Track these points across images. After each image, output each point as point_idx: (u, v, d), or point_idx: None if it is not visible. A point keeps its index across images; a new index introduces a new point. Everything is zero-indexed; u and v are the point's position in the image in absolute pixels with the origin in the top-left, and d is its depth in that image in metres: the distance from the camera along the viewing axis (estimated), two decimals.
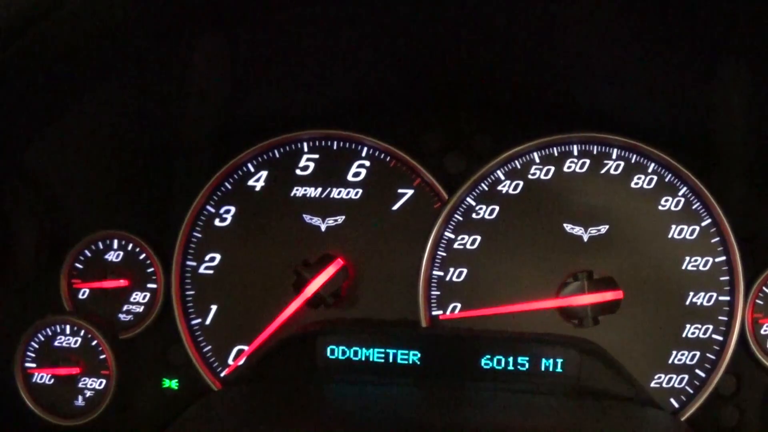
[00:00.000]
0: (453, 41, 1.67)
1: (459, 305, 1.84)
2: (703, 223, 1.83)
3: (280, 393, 1.67)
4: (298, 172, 1.89)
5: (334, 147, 1.89)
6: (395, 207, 1.87)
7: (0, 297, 1.88)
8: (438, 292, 1.85)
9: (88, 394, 1.89)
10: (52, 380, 1.88)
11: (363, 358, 1.75)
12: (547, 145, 1.83)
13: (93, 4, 1.24)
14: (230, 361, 1.89)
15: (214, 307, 1.90)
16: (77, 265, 1.93)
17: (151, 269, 1.92)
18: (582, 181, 1.83)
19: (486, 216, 1.84)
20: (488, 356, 1.73)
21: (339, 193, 1.88)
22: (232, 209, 1.90)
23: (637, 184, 1.83)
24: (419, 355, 1.74)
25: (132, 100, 1.71)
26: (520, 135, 1.83)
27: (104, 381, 1.89)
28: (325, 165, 1.88)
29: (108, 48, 1.42)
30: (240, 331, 1.88)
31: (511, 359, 1.73)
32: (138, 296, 1.92)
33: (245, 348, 1.88)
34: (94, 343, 1.88)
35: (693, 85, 1.69)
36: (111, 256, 1.93)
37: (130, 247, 1.93)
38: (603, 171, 1.83)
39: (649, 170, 1.83)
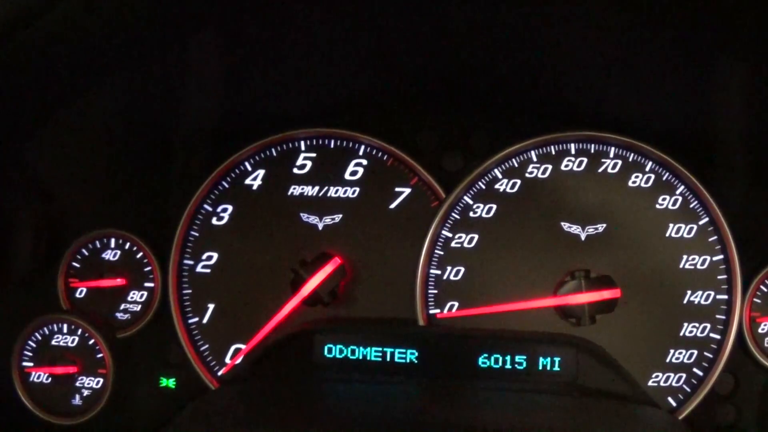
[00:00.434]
0: (450, 40, 1.66)
1: (456, 304, 1.84)
2: (701, 222, 1.82)
3: (277, 392, 1.66)
4: (295, 170, 1.88)
5: (331, 146, 1.89)
6: (392, 206, 1.86)
7: None
8: (435, 291, 1.84)
9: (86, 393, 1.89)
10: (50, 379, 1.89)
11: (360, 357, 1.75)
12: (544, 144, 1.83)
13: (91, 2, 1.24)
14: (227, 360, 1.89)
15: (211, 306, 1.89)
16: (74, 263, 1.93)
17: (149, 268, 1.92)
18: (579, 179, 1.83)
19: (483, 214, 1.84)
20: (485, 355, 1.72)
21: (336, 192, 1.87)
22: (230, 208, 1.90)
23: (634, 182, 1.83)
24: (416, 353, 1.74)
25: (130, 99, 1.71)
26: (517, 133, 1.82)
27: (101, 380, 1.89)
28: (323, 164, 1.88)
29: (105, 47, 1.42)
30: (237, 329, 1.88)
31: (508, 358, 1.72)
32: (135, 295, 1.92)
33: (242, 347, 1.88)
34: (92, 342, 1.88)
35: (690, 84, 1.69)
36: (108, 255, 1.93)
37: (127, 246, 1.93)
38: (600, 170, 1.83)
39: (647, 169, 1.83)
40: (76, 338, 1.89)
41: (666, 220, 1.82)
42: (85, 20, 1.29)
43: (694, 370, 1.82)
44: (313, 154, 1.88)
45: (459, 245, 1.84)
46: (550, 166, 1.83)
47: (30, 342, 1.88)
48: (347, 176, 1.87)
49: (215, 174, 1.88)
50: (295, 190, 1.88)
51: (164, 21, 1.43)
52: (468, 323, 1.82)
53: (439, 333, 1.80)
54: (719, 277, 1.82)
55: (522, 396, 1.66)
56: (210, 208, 1.90)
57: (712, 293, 1.82)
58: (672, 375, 1.82)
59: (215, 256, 1.90)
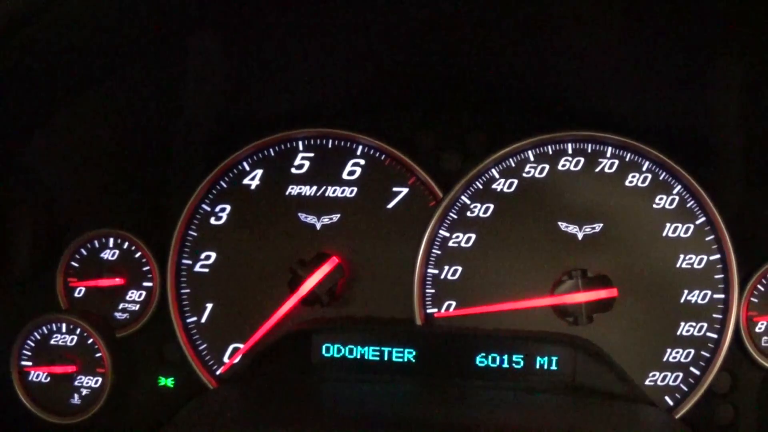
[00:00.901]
0: (448, 40, 1.67)
1: (454, 303, 1.84)
2: (698, 222, 1.83)
3: (276, 391, 1.67)
4: (293, 170, 1.89)
5: (329, 146, 1.89)
6: (390, 205, 1.87)
7: None
8: (433, 290, 1.85)
9: (85, 392, 1.90)
10: (49, 378, 1.89)
11: (358, 356, 1.76)
12: (541, 144, 1.84)
13: (91, 3, 1.24)
14: (226, 359, 1.90)
15: (209, 306, 1.90)
16: (73, 263, 1.94)
17: (147, 267, 1.92)
18: (577, 179, 1.83)
19: (481, 214, 1.84)
20: (483, 354, 1.73)
21: (334, 192, 1.88)
22: (228, 208, 1.90)
23: (631, 182, 1.83)
24: (414, 353, 1.75)
25: (128, 99, 1.71)
26: (514, 133, 1.83)
27: (100, 379, 1.89)
28: (320, 163, 1.89)
29: (105, 47, 1.43)
30: (235, 329, 1.88)
31: (505, 357, 1.73)
32: (134, 294, 1.93)
33: (240, 346, 1.88)
34: (90, 341, 1.89)
35: (687, 84, 1.70)
36: (107, 255, 1.93)
37: (125, 245, 1.93)
38: (597, 169, 1.84)
39: (644, 168, 1.83)
40: (75, 337, 1.89)
41: (663, 220, 1.82)
42: (86, 21, 1.30)
43: (691, 369, 1.83)
44: (311, 154, 1.89)
45: (456, 245, 1.84)
46: (547, 166, 1.84)
47: (29, 341, 1.88)
48: (345, 176, 1.88)
49: (213, 174, 1.89)
50: (293, 189, 1.88)
51: (163, 21, 1.43)
52: (465, 322, 1.82)
53: (437, 332, 1.81)
54: (716, 276, 1.83)
55: (519, 395, 1.67)
56: (208, 208, 1.90)
57: (709, 293, 1.83)
58: (669, 374, 1.83)
59: (213, 255, 1.90)
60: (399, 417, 1.53)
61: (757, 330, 1.86)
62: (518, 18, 1.55)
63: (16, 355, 1.87)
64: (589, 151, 1.84)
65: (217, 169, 1.89)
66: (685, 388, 1.83)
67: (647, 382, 1.83)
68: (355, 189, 1.88)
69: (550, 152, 1.84)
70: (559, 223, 1.83)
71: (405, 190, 1.87)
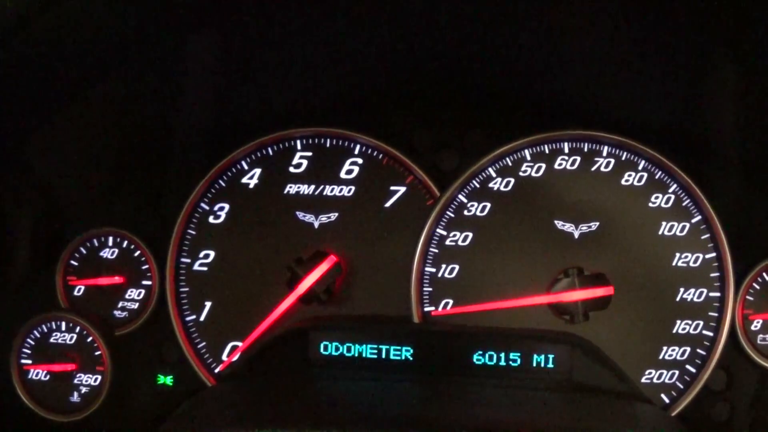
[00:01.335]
0: (445, 39, 1.68)
1: (451, 301, 1.85)
2: (694, 220, 1.84)
3: (274, 389, 1.68)
4: (291, 169, 1.90)
5: (327, 145, 1.90)
6: (388, 204, 1.88)
7: None
8: (430, 289, 1.86)
9: (84, 390, 1.91)
10: (48, 376, 1.90)
11: (356, 354, 1.76)
12: (538, 143, 1.85)
13: (91, 4, 1.25)
14: (224, 357, 1.91)
15: (208, 304, 1.91)
16: (72, 262, 1.95)
17: (146, 266, 1.93)
18: (573, 178, 1.84)
19: (478, 213, 1.85)
20: (480, 352, 1.74)
21: (332, 191, 1.89)
22: (226, 206, 1.91)
23: (627, 181, 1.84)
24: (412, 351, 1.75)
25: (127, 98, 1.72)
26: (511, 132, 1.84)
27: (99, 377, 1.90)
28: (318, 162, 1.90)
29: (105, 47, 1.44)
30: (234, 327, 1.89)
31: (502, 355, 1.74)
32: (133, 293, 1.94)
33: (239, 344, 1.89)
34: (90, 339, 1.90)
35: (684, 84, 1.71)
36: (106, 253, 1.94)
37: (125, 244, 1.94)
38: (594, 168, 1.85)
39: (640, 167, 1.85)
40: (75, 336, 1.90)
41: (659, 218, 1.83)
42: (85, 21, 1.31)
43: (687, 366, 1.84)
44: (309, 153, 1.90)
45: (453, 243, 1.85)
46: (543, 165, 1.85)
47: (29, 339, 1.89)
48: (343, 175, 1.89)
49: (212, 173, 1.89)
50: (291, 188, 1.89)
51: (163, 21, 1.44)
52: (462, 320, 1.83)
53: (434, 330, 1.81)
54: (712, 274, 1.84)
55: (516, 393, 1.68)
56: (207, 207, 1.91)
57: (705, 291, 1.84)
58: (665, 372, 1.84)
59: (212, 254, 1.91)
60: (396, 414, 1.53)
61: (752, 328, 1.87)
62: (516, 18, 1.56)
63: (16, 353, 1.88)
64: (586, 150, 1.85)
65: (216, 168, 1.90)
66: (681, 386, 1.84)
67: (643, 380, 1.84)
68: (353, 188, 1.89)
69: (547, 151, 1.85)
70: (556, 222, 1.84)
71: (402, 189, 1.88)
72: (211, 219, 1.92)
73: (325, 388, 1.71)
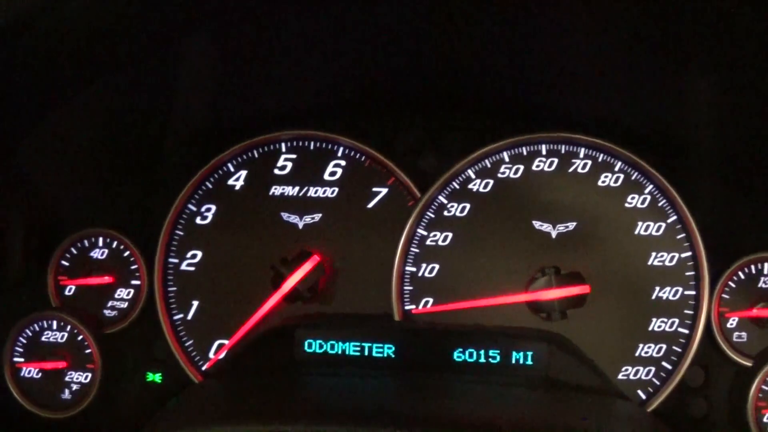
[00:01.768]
0: (426, 45, 1.72)
1: (431, 300, 1.89)
2: (669, 220, 1.88)
3: (259, 385, 1.71)
4: (276, 171, 1.94)
5: (311, 147, 1.95)
6: (370, 205, 1.92)
7: None
8: (411, 287, 1.90)
9: (75, 387, 1.94)
10: (40, 374, 1.93)
11: (339, 352, 1.80)
12: (516, 145, 1.89)
13: (81, 6, 1.29)
14: (211, 355, 1.95)
15: (195, 303, 1.95)
16: (64, 262, 1.99)
17: (135, 266, 1.98)
18: (550, 179, 1.88)
19: (457, 213, 1.89)
20: (460, 349, 1.77)
21: (316, 192, 1.93)
22: (213, 208, 1.95)
23: (604, 182, 1.88)
24: (394, 348, 1.79)
25: (117, 101, 1.75)
26: (490, 135, 1.88)
27: (90, 375, 1.94)
28: (303, 165, 1.94)
29: (94, 51, 1.47)
30: (220, 325, 1.93)
31: (482, 352, 1.77)
32: (122, 292, 1.98)
33: (225, 342, 1.93)
34: (80, 338, 1.94)
35: (660, 86, 1.73)
36: (96, 254, 1.99)
37: (114, 244, 1.98)
38: (571, 170, 1.89)
39: (616, 169, 1.88)
40: (66, 334, 1.94)
41: (635, 218, 1.87)
42: (75, 24, 1.34)
43: (663, 363, 1.87)
44: (294, 156, 1.94)
45: (434, 243, 1.89)
46: (521, 167, 1.89)
47: (21, 338, 1.93)
48: (326, 177, 1.93)
49: (199, 175, 1.94)
50: (276, 190, 1.94)
51: (153, 25, 1.48)
52: (442, 318, 1.87)
53: (415, 328, 1.85)
54: (687, 273, 1.87)
55: (496, 389, 1.71)
56: (194, 208, 1.96)
57: (680, 289, 1.87)
58: (641, 368, 1.87)
59: (199, 254, 1.95)
60: (378, 409, 1.56)
61: (728, 326, 1.90)
62: (496, 22, 1.59)
63: (9, 351, 1.92)
64: (563, 152, 1.89)
65: (203, 171, 1.94)
66: (658, 382, 1.88)
67: (620, 376, 1.87)
68: (336, 189, 1.93)
69: (525, 153, 1.89)
70: (534, 222, 1.88)
71: (384, 191, 1.92)
72: (198, 220, 1.96)
73: (309, 385, 1.75)
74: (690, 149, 1.92)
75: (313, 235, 1.92)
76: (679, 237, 1.88)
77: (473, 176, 1.90)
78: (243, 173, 1.95)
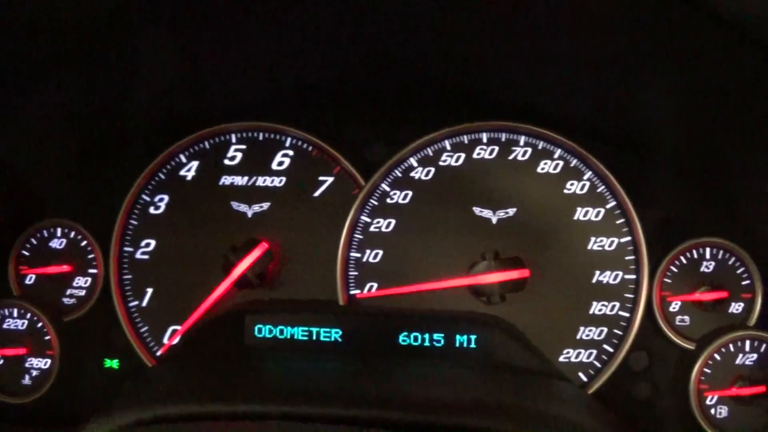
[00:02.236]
0: (372, 39, 1.76)
1: (375, 285, 1.94)
2: (608, 206, 1.92)
3: (210, 368, 1.76)
4: (226, 162, 2.00)
5: (260, 138, 2.00)
6: (316, 194, 1.97)
7: None
8: (356, 273, 1.95)
9: (35, 373, 2.00)
10: (1, 360, 1.99)
11: (288, 337, 1.85)
12: (457, 133, 1.93)
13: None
14: (165, 341, 2.00)
15: (149, 290, 2.01)
16: (24, 252, 2.05)
17: (92, 255, 2.03)
18: (491, 166, 1.93)
19: (400, 201, 1.94)
20: (405, 333, 1.82)
21: (264, 182, 1.99)
22: (166, 198, 2.01)
23: (543, 169, 1.92)
24: (341, 332, 1.84)
25: (72, 93, 1.80)
26: (433, 124, 1.92)
27: (49, 361, 1.99)
28: (252, 155, 1.99)
29: (51, 42, 1.52)
30: (174, 312, 1.98)
31: (427, 336, 1.82)
32: (80, 281, 2.04)
33: (179, 328, 1.98)
34: (40, 325, 1.99)
35: (601, 77, 1.76)
36: (55, 244, 2.05)
37: (72, 234, 2.04)
38: (511, 157, 1.93)
39: (555, 156, 1.93)
40: (26, 322, 1.99)
41: (574, 204, 1.91)
42: (32, 15, 1.39)
43: (604, 346, 1.91)
44: (243, 146, 2.00)
45: (377, 230, 1.94)
46: (463, 155, 1.94)
47: None
48: (274, 166, 1.99)
49: (152, 166, 1.99)
50: (226, 180, 1.99)
51: (108, 17, 1.52)
52: (387, 303, 1.91)
53: (361, 312, 1.89)
54: (627, 258, 1.91)
55: (440, 371, 1.75)
56: (148, 198, 2.01)
57: (621, 273, 1.91)
58: (583, 351, 1.91)
59: (153, 243, 2.01)
60: (324, 390, 1.60)
61: (671, 309, 1.94)
62: (441, 16, 1.63)
63: None
64: (503, 140, 1.94)
65: (156, 162, 2.00)
66: (599, 365, 1.92)
67: (561, 359, 1.91)
68: (284, 179, 1.98)
69: (466, 141, 1.94)
70: (474, 209, 1.92)
71: (330, 179, 1.97)
72: (151, 210, 2.01)
73: (258, 368, 1.79)
74: (632, 138, 1.95)
75: (261, 224, 1.97)
76: (618, 222, 1.91)
77: (416, 164, 1.95)
78: (194, 164, 2.00)
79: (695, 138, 1.87)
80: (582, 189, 1.92)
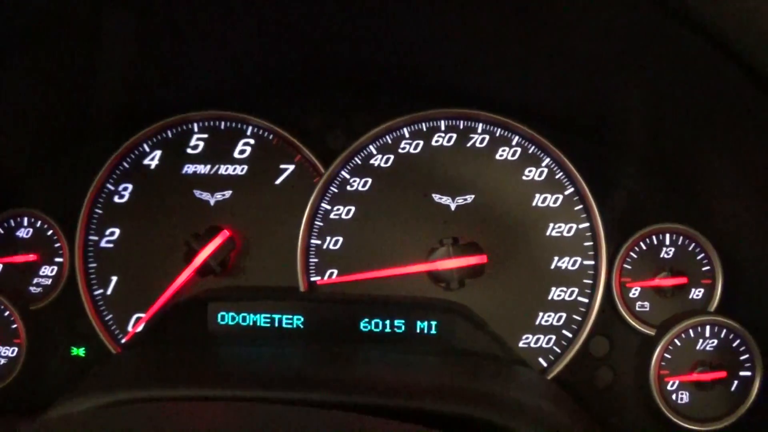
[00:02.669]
0: (332, 26, 1.77)
1: (336, 271, 1.96)
2: (566, 192, 1.93)
3: (173, 355, 1.78)
4: (189, 150, 2.02)
5: (222, 127, 2.02)
6: (278, 182, 1.99)
7: None
8: (316, 260, 1.97)
9: (2, 361, 2.01)
10: None
11: (251, 324, 1.87)
12: (416, 121, 1.95)
13: None
14: (129, 328, 2.02)
15: (114, 279, 2.03)
16: None
17: (58, 244, 2.05)
18: (449, 154, 1.95)
19: (360, 188, 1.96)
20: (366, 320, 1.84)
21: (226, 170, 2.01)
22: (130, 187, 2.03)
23: (501, 156, 1.94)
24: (303, 319, 1.86)
25: (35, 81, 1.80)
26: (392, 112, 1.94)
27: (16, 349, 2.01)
28: (214, 144, 2.01)
29: (10, 27, 1.53)
30: (138, 300, 2.00)
31: (387, 322, 1.84)
32: (46, 270, 2.06)
33: (143, 315, 2.00)
34: (7, 313, 2.01)
35: (558, 66, 1.78)
36: (21, 233, 2.07)
37: (39, 224, 2.06)
38: (469, 144, 1.95)
39: (513, 143, 1.94)
40: None
41: (532, 191, 1.93)
42: None
43: (564, 332, 1.93)
44: (206, 135, 2.02)
45: (337, 217, 1.96)
46: (421, 142, 1.95)
47: None
48: (236, 155, 2.01)
49: (116, 155, 2.01)
50: (189, 168, 2.01)
51: (66, 5, 1.54)
52: (347, 289, 1.93)
53: (322, 299, 1.91)
54: (585, 243, 1.93)
55: (400, 357, 1.77)
56: (112, 187, 2.03)
57: (579, 259, 1.93)
58: (542, 336, 1.93)
59: (117, 231, 2.03)
60: (285, 376, 1.62)
61: (631, 296, 1.95)
62: (401, 5, 1.65)
63: None
64: (461, 127, 1.95)
65: (119, 151, 2.01)
66: (559, 350, 1.93)
67: (521, 344, 1.93)
68: (246, 167, 2.00)
69: (425, 129, 1.96)
70: (433, 195, 1.94)
71: (291, 167, 1.99)
72: (116, 199, 2.04)
73: (221, 354, 1.82)
74: (592, 126, 1.96)
75: (224, 212, 1.99)
76: (576, 209, 1.93)
77: (375, 152, 1.97)
78: (158, 153, 2.03)
79: (655, 126, 1.88)
80: (540, 176, 1.93)
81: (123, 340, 2.03)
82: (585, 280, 1.93)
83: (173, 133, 2.03)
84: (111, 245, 2.03)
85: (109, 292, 2.03)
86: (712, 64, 1.31)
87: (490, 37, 1.72)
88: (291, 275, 1.96)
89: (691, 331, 1.88)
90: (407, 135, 1.96)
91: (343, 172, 1.96)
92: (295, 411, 1.21)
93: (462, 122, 1.95)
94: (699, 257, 1.94)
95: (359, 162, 1.96)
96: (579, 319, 1.93)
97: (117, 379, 1.60)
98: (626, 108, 1.88)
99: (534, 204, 1.93)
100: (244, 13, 1.69)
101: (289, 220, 1.96)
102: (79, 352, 2.06)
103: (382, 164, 1.95)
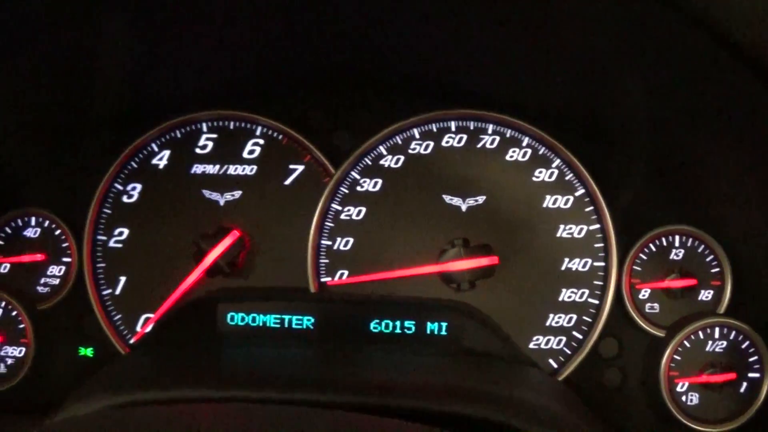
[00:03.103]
0: (341, 26, 1.77)
1: (346, 272, 1.96)
2: (577, 194, 1.93)
3: (182, 355, 1.78)
4: (197, 150, 2.01)
5: (231, 126, 2.01)
6: (287, 182, 1.99)
7: None
8: (326, 260, 1.96)
9: (10, 361, 2.01)
10: None
11: (261, 324, 1.86)
12: (426, 122, 1.94)
13: None
14: (138, 329, 2.01)
15: (122, 279, 2.02)
16: None
17: (66, 244, 2.04)
18: (460, 154, 1.94)
19: (370, 189, 1.95)
20: (377, 321, 1.83)
21: (236, 170, 2.00)
22: (138, 186, 2.02)
23: (512, 157, 1.94)
24: (313, 320, 1.85)
25: (42, 79, 1.79)
26: (401, 112, 1.93)
27: (24, 349, 2.00)
28: (223, 144, 2.00)
29: (17, 26, 1.53)
30: (147, 300, 2.00)
31: (398, 323, 1.83)
32: (54, 269, 2.05)
33: (151, 316, 2.00)
34: (14, 313, 2.00)
35: (568, 67, 1.78)
36: (29, 233, 2.06)
37: (46, 223, 2.05)
38: (479, 145, 1.94)
39: (524, 144, 1.94)
40: (0, 310, 2.01)
41: (542, 192, 1.92)
42: None
43: (574, 333, 1.93)
44: (214, 135, 2.01)
45: (348, 218, 1.95)
46: (431, 143, 1.95)
47: None
48: (245, 155, 2.00)
49: (125, 155, 2.00)
50: (198, 168, 2.00)
51: (74, 4, 1.53)
52: (357, 290, 1.93)
53: (333, 300, 1.91)
54: (596, 245, 1.93)
55: (411, 358, 1.77)
56: (120, 187, 2.02)
57: (590, 260, 1.92)
58: (552, 338, 1.93)
59: (126, 231, 2.02)
60: (295, 377, 1.61)
61: (640, 297, 1.95)
62: (410, 3, 1.64)
63: None
64: (472, 128, 1.95)
65: (128, 150, 2.00)
66: (569, 351, 1.93)
67: (531, 346, 1.92)
68: (255, 167, 1.99)
69: (435, 130, 1.95)
70: (444, 196, 1.94)
71: (301, 168, 1.98)
72: (124, 198, 2.03)
73: (230, 355, 1.81)
74: (601, 127, 1.96)
75: (233, 212, 1.99)
76: (587, 210, 1.93)
77: (385, 152, 1.96)
78: (166, 153, 2.02)
79: (664, 127, 1.87)
80: (551, 177, 1.93)
81: (131, 341, 2.02)
82: (595, 282, 1.93)
83: (182, 133, 2.02)
84: (119, 245, 2.03)
85: (117, 292, 2.03)
86: (718, 64, 1.30)
87: (497, 36, 1.71)
88: (301, 276, 1.95)
89: (700, 332, 1.88)
90: (417, 136, 1.95)
91: (353, 173, 1.96)
92: (305, 412, 1.21)
93: (472, 123, 1.94)
94: (708, 259, 1.94)
95: (369, 163, 1.96)
96: (589, 320, 1.92)
97: (125, 380, 1.59)
98: (633, 108, 1.87)
99: (545, 205, 1.92)
100: (250, 9, 1.68)
101: (299, 221, 1.95)
102: (87, 352, 2.05)
103: (393, 165, 1.95)
